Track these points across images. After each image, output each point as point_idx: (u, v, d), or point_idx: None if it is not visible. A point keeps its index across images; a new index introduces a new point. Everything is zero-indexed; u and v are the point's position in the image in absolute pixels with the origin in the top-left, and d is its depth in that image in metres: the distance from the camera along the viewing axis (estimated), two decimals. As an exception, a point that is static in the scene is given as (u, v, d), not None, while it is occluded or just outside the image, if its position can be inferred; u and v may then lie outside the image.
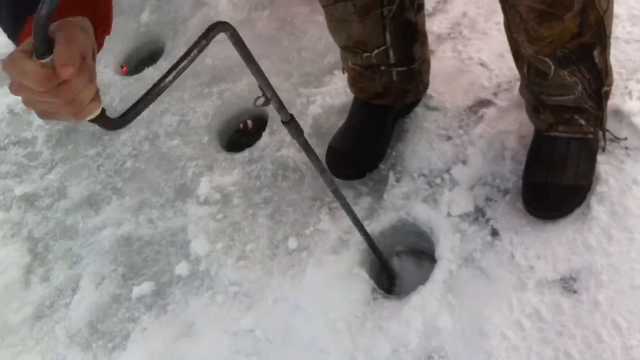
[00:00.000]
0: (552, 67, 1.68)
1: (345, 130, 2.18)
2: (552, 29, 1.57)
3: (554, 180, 1.83)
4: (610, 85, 1.81)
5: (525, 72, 1.80)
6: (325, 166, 2.13)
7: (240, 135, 2.61)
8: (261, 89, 1.30)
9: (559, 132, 1.85)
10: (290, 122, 1.42)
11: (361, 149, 2.13)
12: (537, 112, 1.87)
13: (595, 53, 1.66)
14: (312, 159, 1.53)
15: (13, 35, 1.15)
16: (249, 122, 2.59)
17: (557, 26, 1.56)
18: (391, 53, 1.98)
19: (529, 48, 1.67)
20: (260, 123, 2.53)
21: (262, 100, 1.33)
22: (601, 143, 1.90)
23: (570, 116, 1.81)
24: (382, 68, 2.02)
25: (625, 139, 1.89)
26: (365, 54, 1.98)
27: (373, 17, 1.87)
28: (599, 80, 1.74)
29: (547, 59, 1.67)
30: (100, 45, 1.12)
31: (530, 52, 1.68)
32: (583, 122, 1.82)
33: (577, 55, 1.65)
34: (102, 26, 1.11)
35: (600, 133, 1.88)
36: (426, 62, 2.14)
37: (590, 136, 1.86)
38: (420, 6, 1.98)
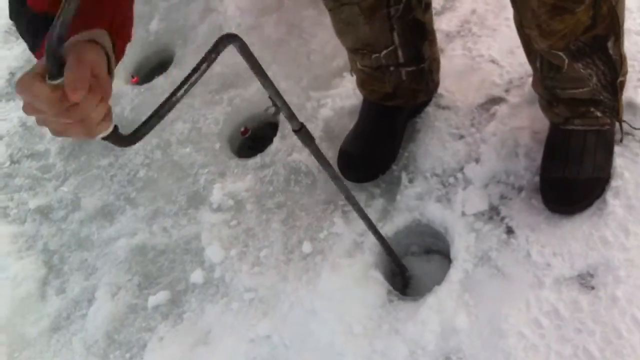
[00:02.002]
0: (566, 61, 1.66)
1: (356, 132, 2.17)
2: (565, 22, 1.55)
3: (571, 175, 1.81)
4: (625, 75, 1.79)
5: (538, 67, 1.77)
6: (337, 170, 2.12)
7: (249, 140, 2.61)
8: (271, 99, 1.31)
9: (574, 125, 1.83)
10: (301, 130, 1.42)
11: (373, 151, 2.12)
12: (551, 106, 1.85)
13: (609, 44, 1.64)
14: (325, 165, 1.54)
15: (32, 50, 1.16)
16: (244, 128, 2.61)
17: (570, 19, 1.54)
18: (400, 53, 1.96)
19: (541, 42, 1.65)
20: (272, 128, 2.53)
21: (273, 109, 1.35)
22: (618, 135, 1.87)
23: (586, 109, 1.79)
24: (392, 68, 2.00)
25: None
26: (374, 55, 1.96)
27: (380, 17, 1.85)
28: (614, 70, 1.72)
29: (560, 53, 1.65)
30: (121, 53, 1.13)
31: (542, 46, 1.66)
32: (599, 113, 1.80)
33: (591, 47, 1.63)
34: (121, 35, 1.12)
35: (617, 124, 1.86)
36: (436, 61, 2.12)
37: (607, 127, 1.83)
38: (428, 5, 1.96)
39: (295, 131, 1.42)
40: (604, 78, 1.71)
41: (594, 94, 1.75)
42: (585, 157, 1.83)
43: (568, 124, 1.85)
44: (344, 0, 1.80)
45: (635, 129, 1.88)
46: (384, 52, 1.95)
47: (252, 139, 2.60)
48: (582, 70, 1.68)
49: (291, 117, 1.38)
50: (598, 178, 1.83)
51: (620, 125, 1.86)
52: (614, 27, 1.61)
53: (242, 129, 2.59)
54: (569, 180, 1.82)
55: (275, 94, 1.30)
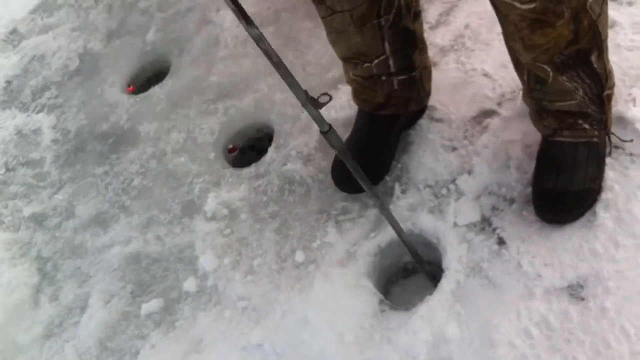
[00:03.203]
0: (551, 74, 1.68)
1: (350, 143, 2.18)
2: (546, 36, 1.57)
3: (563, 185, 1.83)
4: (611, 88, 1.81)
5: (525, 79, 1.80)
6: (332, 180, 2.14)
7: (245, 151, 2.64)
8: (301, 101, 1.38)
9: (563, 136, 1.85)
10: (329, 132, 1.48)
11: (366, 163, 2.13)
12: (540, 117, 1.87)
13: (593, 58, 1.67)
14: (350, 164, 1.61)
15: None
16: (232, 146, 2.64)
17: (551, 33, 1.56)
18: (391, 62, 1.99)
19: (526, 55, 1.67)
20: (267, 138, 2.55)
21: (327, 97, 1.41)
22: (607, 148, 1.89)
23: (574, 120, 1.81)
24: (383, 78, 2.03)
25: (632, 140, 1.88)
26: (366, 64, 1.99)
27: (370, 27, 1.87)
28: (600, 84, 1.74)
29: (545, 66, 1.67)
30: None
31: (527, 59, 1.69)
32: (587, 126, 1.81)
33: (575, 61, 1.65)
34: None
35: (606, 137, 1.88)
36: (427, 69, 2.15)
37: (595, 140, 1.84)
38: (418, 14, 1.99)
39: (323, 133, 1.47)
40: (590, 91, 1.73)
41: (581, 107, 1.77)
42: (577, 167, 1.84)
43: (556, 136, 1.86)
44: (335, 9, 1.82)
45: (624, 141, 1.89)
46: (376, 61, 1.97)
47: (244, 152, 2.64)
48: (567, 83, 1.70)
49: (319, 119, 1.43)
50: (590, 189, 1.83)
51: (609, 138, 1.88)
52: (596, 41, 1.64)
53: (230, 147, 2.61)
54: (561, 191, 1.83)
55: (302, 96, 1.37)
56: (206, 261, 2.19)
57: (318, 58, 2.64)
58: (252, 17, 2.61)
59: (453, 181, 2.05)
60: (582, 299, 1.67)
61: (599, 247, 1.73)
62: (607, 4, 1.63)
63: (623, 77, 2.04)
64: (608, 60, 1.75)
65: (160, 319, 2.14)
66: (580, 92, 1.73)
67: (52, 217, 2.62)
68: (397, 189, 2.10)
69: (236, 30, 2.90)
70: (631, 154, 1.88)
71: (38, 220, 2.63)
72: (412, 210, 2.04)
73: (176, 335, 2.08)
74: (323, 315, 1.91)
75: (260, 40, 1.28)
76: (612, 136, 1.89)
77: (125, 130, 2.79)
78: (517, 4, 1.53)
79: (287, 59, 2.69)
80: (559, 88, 1.72)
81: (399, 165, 2.16)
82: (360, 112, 2.21)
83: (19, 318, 2.32)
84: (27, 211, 2.67)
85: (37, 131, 3.01)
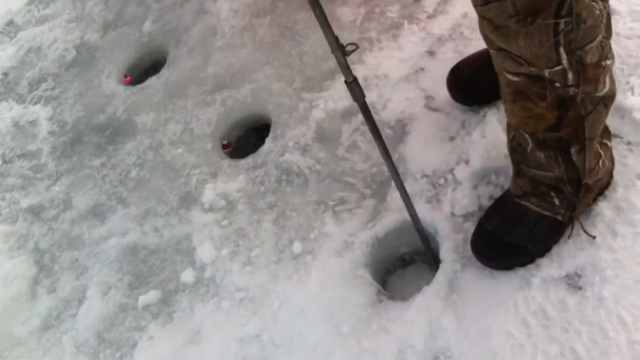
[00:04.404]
0: (530, 145, 1.64)
1: (477, 58, 2.14)
2: (526, 110, 1.54)
3: (500, 233, 1.78)
4: (594, 180, 1.70)
5: (509, 139, 1.72)
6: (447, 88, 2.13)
7: (241, 141, 2.64)
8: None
9: (530, 203, 1.76)
10: (352, 83, 1.45)
11: (483, 81, 1.99)
12: (515, 176, 1.79)
13: (573, 150, 1.59)
14: (370, 124, 1.56)
15: None
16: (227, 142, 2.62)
17: (531, 108, 1.52)
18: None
19: (510, 117, 1.65)
20: (264, 129, 2.54)
21: (353, 46, 1.38)
22: (568, 232, 1.76)
23: (546, 191, 1.72)
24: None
25: (594, 237, 1.73)
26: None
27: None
28: (577, 174, 1.65)
29: (526, 135, 1.63)
30: None
31: (511, 122, 1.66)
32: (557, 202, 1.72)
33: (555, 145, 1.59)
34: None
35: (572, 221, 1.76)
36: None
37: (560, 218, 1.74)
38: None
39: (347, 83, 1.45)
40: (568, 174, 1.66)
41: (557, 182, 1.69)
42: (525, 226, 1.77)
43: (524, 200, 1.77)
44: None
45: (588, 235, 1.75)
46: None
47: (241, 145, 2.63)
48: (544, 159, 1.65)
49: (346, 68, 1.41)
50: (525, 248, 1.76)
51: (573, 224, 1.75)
52: (578, 136, 1.56)
53: (225, 142, 2.60)
54: (495, 237, 1.79)
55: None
56: (204, 252, 2.19)
57: (315, 48, 2.63)
58: (249, 7, 2.62)
59: (450, 171, 2.04)
60: (580, 288, 1.67)
61: (597, 236, 1.72)
62: (607, 106, 1.56)
63: (622, 65, 2.03)
64: (592, 159, 1.63)
65: (158, 310, 2.14)
66: (560, 170, 1.65)
67: (49, 209, 2.62)
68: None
69: (233, 21, 2.89)
70: (629, 143, 1.87)
71: (35, 212, 2.63)
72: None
73: (174, 326, 2.08)
74: (320, 305, 1.91)
75: None
76: (577, 223, 1.76)
77: (122, 122, 2.78)
78: (504, 72, 1.50)
79: (284, 48, 2.69)
80: (538, 159, 1.66)
81: (396, 155, 2.15)
82: None
83: (17, 310, 2.33)
84: (24, 203, 2.67)
85: (33, 123, 3.00)
